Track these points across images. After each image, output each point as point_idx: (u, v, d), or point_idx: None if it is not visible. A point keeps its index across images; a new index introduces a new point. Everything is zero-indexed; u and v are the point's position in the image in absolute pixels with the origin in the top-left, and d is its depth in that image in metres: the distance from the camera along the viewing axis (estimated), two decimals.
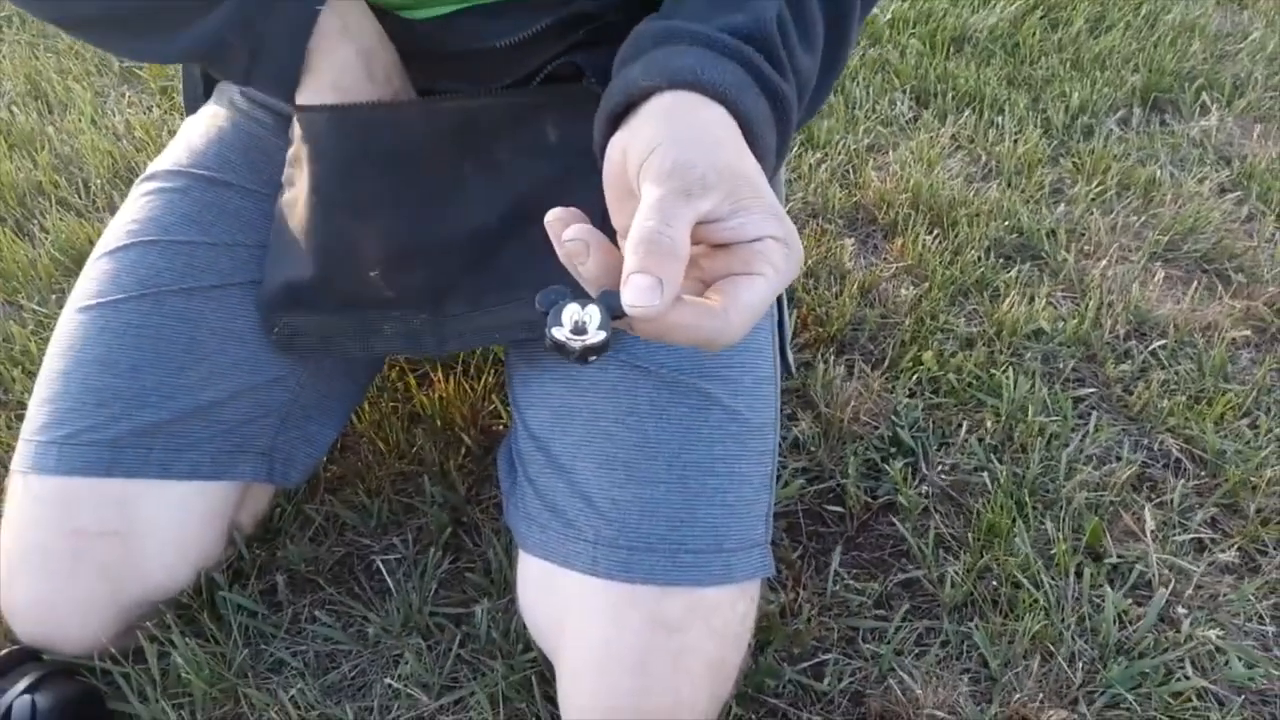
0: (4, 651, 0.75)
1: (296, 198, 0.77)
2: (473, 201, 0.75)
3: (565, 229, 0.47)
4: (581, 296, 0.46)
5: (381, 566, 0.88)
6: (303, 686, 0.79)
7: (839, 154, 1.44)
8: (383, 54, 0.73)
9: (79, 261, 1.22)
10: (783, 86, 0.56)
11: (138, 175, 1.38)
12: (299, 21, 0.68)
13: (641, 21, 0.59)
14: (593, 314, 0.45)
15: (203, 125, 0.86)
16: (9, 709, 0.72)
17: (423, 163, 0.74)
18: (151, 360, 0.76)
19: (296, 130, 0.76)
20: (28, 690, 0.72)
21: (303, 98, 0.72)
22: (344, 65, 0.70)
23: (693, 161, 0.46)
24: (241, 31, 0.67)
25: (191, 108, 0.93)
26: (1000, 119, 1.54)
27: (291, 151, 0.78)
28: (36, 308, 1.15)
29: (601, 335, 0.44)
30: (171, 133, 1.48)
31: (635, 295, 0.42)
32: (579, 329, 0.44)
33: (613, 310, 0.45)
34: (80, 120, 1.52)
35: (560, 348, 0.44)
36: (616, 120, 0.54)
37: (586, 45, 0.76)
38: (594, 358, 0.45)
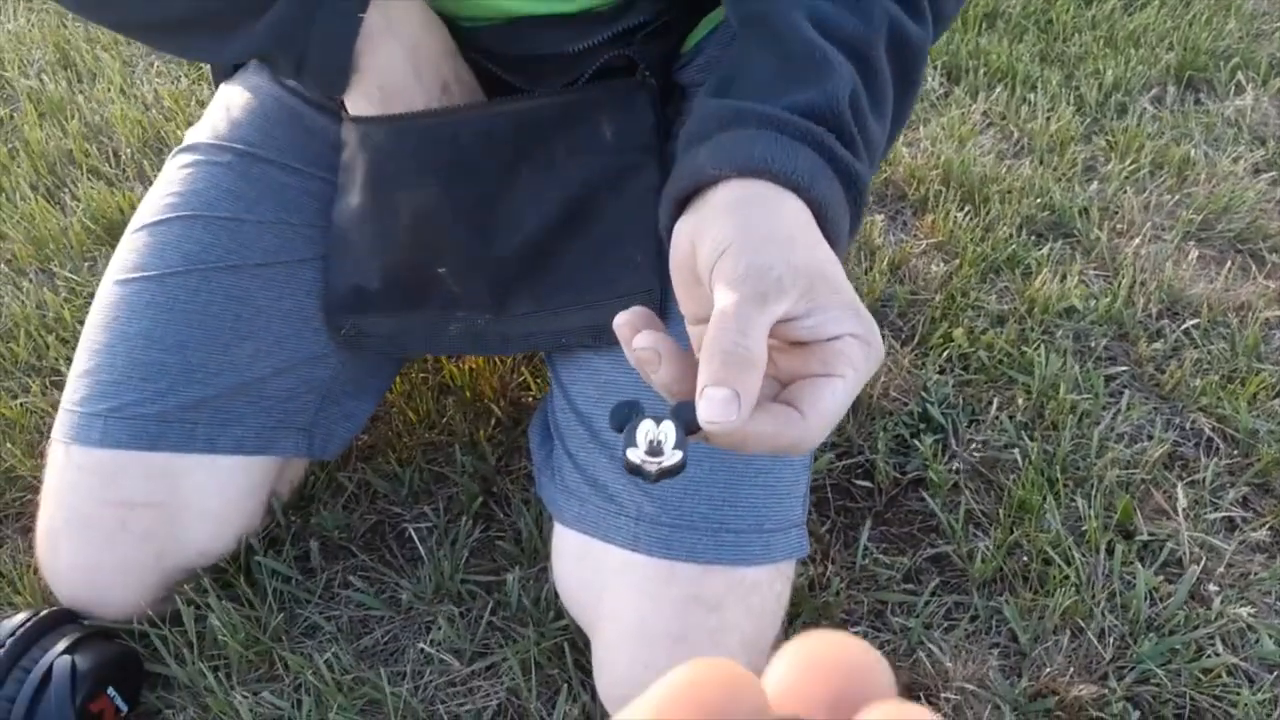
0: (44, 613, 0.76)
1: (354, 204, 0.77)
2: (531, 202, 0.75)
3: (635, 334, 0.45)
4: (655, 409, 0.44)
5: (414, 534, 0.89)
6: (337, 650, 0.80)
7: None
8: (431, 47, 0.71)
9: (110, 230, 1.23)
10: (856, 166, 0.53)
11: (167, 145, 1.39)
12: (343, 27, 0.67)
13: (706, 92, 0.56)
14: (668, 432, 0.43)
15: (243, 97, 0.86)
16: (50, 668, 0.73)
17: (481, 167, 0.74)
18: (199, 337, 0.77)
19: (351, 136, 0.75)
20: (67, 651, 0.74)
21: (352, 98, 0.72)
22: (390, 65, 0.70)
23: (768, 264, 0.44)
24: (290, 37, 0.67)
25: (221, 76, 0.93)
26: (1033, 96, 1.53)
27: (346, 156, 0.77)
28: (70, 275, 1.16)
29: (678, 456, 0.42)
30: (200, 103, 1.49)
31: (712, 410, 0.40)
32: (654, 449, 0.42)
33: (688, 425, 0.43)
34: (109, 89, 1.53)
35: (636, 470, 0.43)
36: (683, 203, 0.52)
37: (640, 39, 0.76)
38: (669, 479, 0.43)
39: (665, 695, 0.17)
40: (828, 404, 0.44)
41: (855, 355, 0.45)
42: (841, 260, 0.50)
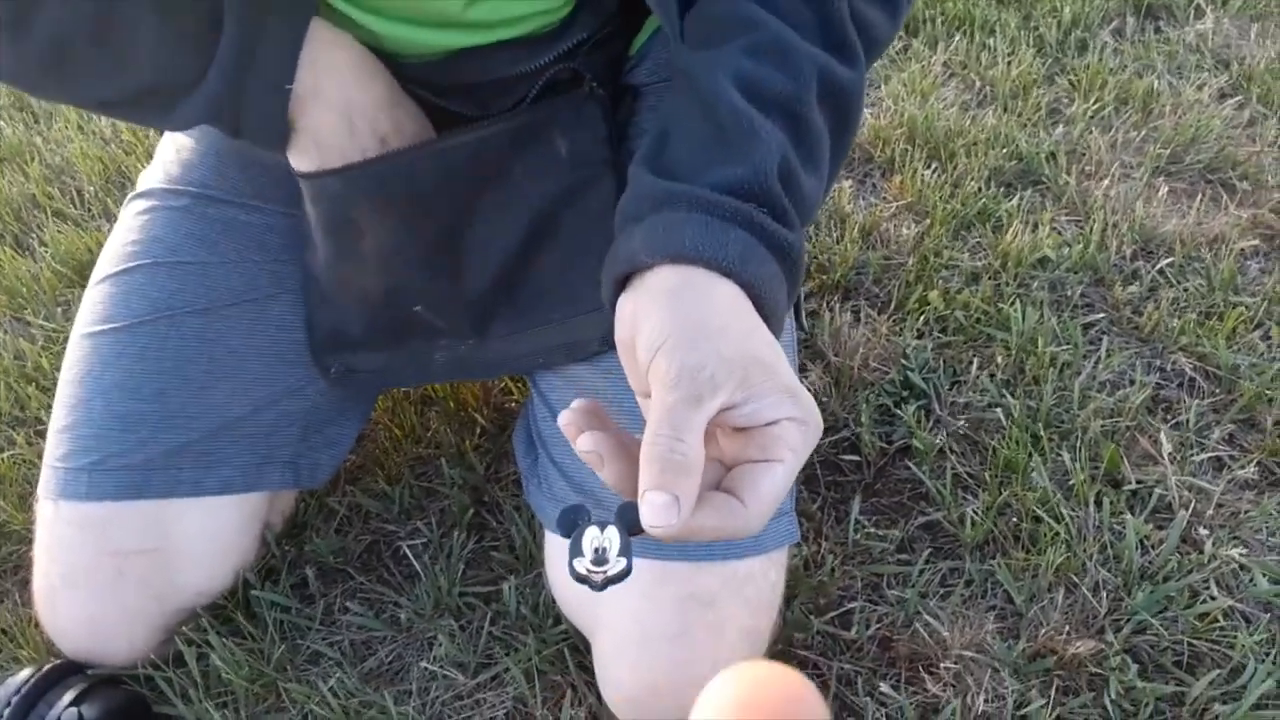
0: (48, 666, 0.77)
1: (320, 254, 0.78)
2: (495, 230, 0.75)
3: (579, 434, 0.46)
4: (600, 512, 0.46)
5: (408, 552, 0.89)
6: (341, 676, 0.80)
7: None
8: (365, 103, 0.70)
9: (79, 271, 1.23)
10: (789, 238, 0.53)
11: (130, 179, 1.38)
12: (272, 99, 0.66)
13: (640, 158, 0.56)
14: (612, 538, 0.44)
15: (191, 138, 0.85)
16: None
17: (440, 203, 0.74)
18: (175, 384, 0.77)
19: (305, 189, 0.75)
20: (74, 703, 0.74)
21: (293, 155, 0.71)
22: (322, 127, 0.69)
23: (700, 363, 0.45)
24: (223, 111, 0.66)
25: None
26: (992, 41, 1.51)
27: (306, 207, 0.77)
28: (44, 323, 1.16)
29: (622, 564, 0.44)
30: (158, 133, 1.48)
31: (652, 515, 0.42)
32: (600, 558, 0.44)
33: (631, 527, 0.44)
34: (67, 127, 1.52)
35: (583, 580, 0.44)
36: (623, 282, 0.53)
37: (584, 51, 0.76)
38: (616, 585, 0.44)
39: None
40: (766, 490, 0.45)
41: (793, 438, 0.45)
42: (778, 330, 0.51)
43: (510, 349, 0.78)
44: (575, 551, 0.44)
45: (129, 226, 0.82)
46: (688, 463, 0.43)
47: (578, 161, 0.74)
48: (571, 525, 0.45)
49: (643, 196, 0.54)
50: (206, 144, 0.84)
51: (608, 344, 0.74)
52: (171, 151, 0.85)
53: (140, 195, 0.84)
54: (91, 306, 0.80)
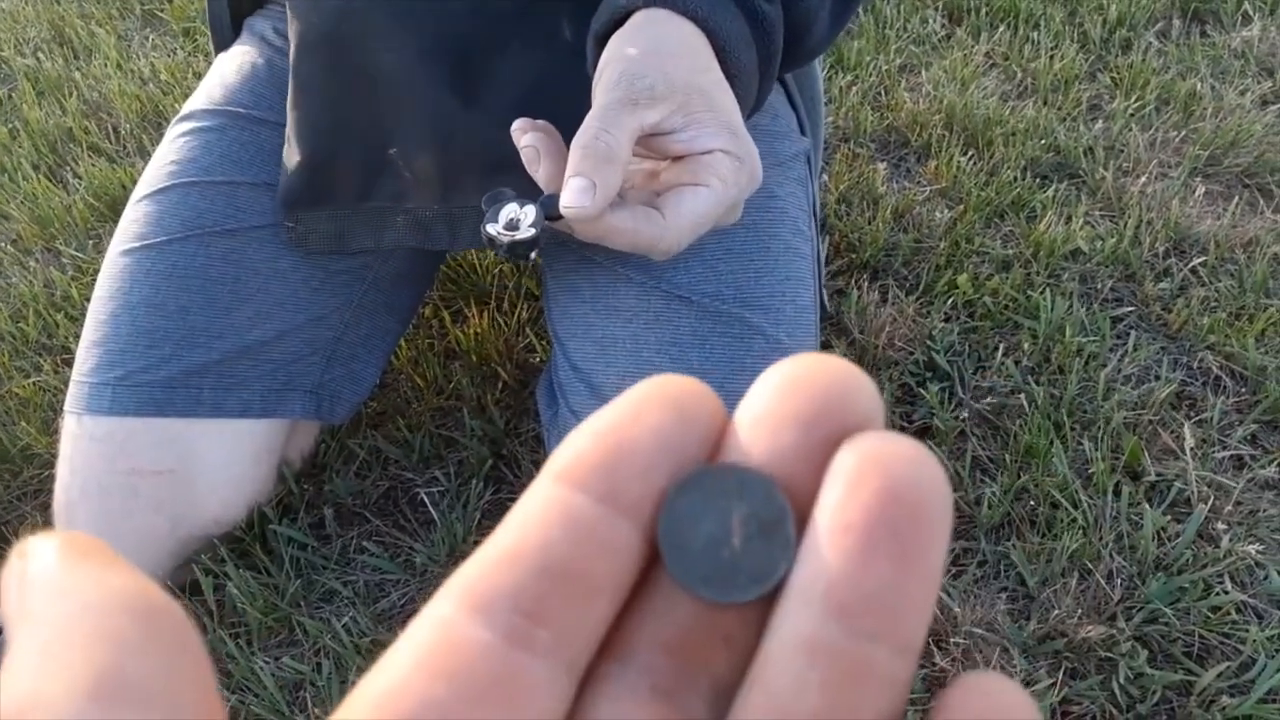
0: None
1: (310, 76, 0.77)
2: (489, 94, 0.74)
3: (523, 135, 0.50)
4: (527, 198, 0.49)
5: (426, 498, 0.90)
6: (354, 615, 0.81)
7: (870, 75, 1.41)
8: None
9: (113, 207, 1.23)
10: (763, 7, 0.55)
11: (166, 118, 1.39)
12: None
13: None
14: (528, 213, 0.48)
15: (235, 62, 0.86)
16: None
17: (465, 37, 0.73)
18: (199, 301, 0.77)
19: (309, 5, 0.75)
20: None
21: None
22: None
23: (641, 73, 0.48)
24: None
25: (220, 47, 0.93)
26: (1036, 34, 1.50)
27: (300, 29, 0.76)
28: (75, 253, 1.17)
29: (530, 233, 0.48)
30: (197, 75, 1.48)
31: (570, 197, 0.45)
32: (511, 225, 0.48)
33: (548, 211, 0.48)
34: (106, 65, 1.52)
35: (491, 241, 0.48)
36: (603, 40, 0.55)
37: None
38: (525, 255, 0.48)
39: (610, 418, 0.16)
40: (687, 208, 0.48)
41: (724, 168, 0.48)
42: (747, 107, 0.54)
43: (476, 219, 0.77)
44: (491, 218, 0.48)
45: (169, 148, 0.83)
46: (611, 153, 0.46)
47: (580, 49, 0.74)
48: (494, 200, 0.49)
49: None
50: (248, 68, 0.85)
51: None
52: (216, 77, 0.86)
53: (183, 118, 0.85)
54: (127, 225, 0.81)
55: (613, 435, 0.16)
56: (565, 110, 0.74)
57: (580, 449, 0.16)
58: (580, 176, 0.45)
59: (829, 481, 0.15)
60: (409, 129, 0.75)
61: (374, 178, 0.76)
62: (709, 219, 0.49)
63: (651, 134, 0.49)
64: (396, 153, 0.75)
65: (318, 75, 0.77)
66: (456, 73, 0.74)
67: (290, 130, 0.78)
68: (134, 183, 1.24)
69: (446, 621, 0.15)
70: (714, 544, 0.16)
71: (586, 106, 0.74)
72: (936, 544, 0.15)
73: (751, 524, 0.15)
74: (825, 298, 1.00)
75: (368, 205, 0.77)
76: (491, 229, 0.48)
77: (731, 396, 0.72)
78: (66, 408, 0.79)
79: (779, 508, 0.15)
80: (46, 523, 0.90)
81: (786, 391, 0.16)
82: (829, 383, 0.16)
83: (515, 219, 0.48)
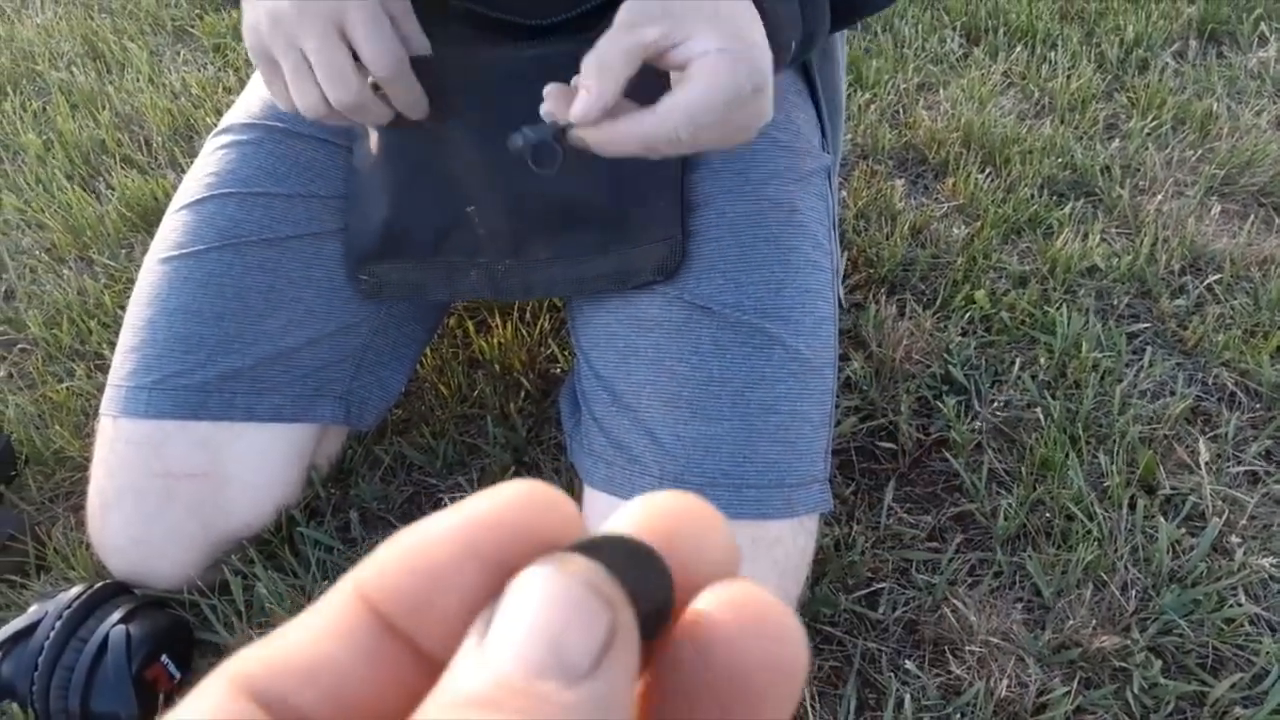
0: (99, 585, 0.79)
1: (385, 142, 0.79)
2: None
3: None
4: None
5: (449, 504, 0.91)
6: None
7: (888, 94, 1.43)
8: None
9: (145, 217, 1.26)
10: None
11: (197, 132, 1.42)
12: None
13: None
14: (545, 130, 0.56)
15: None
16: (106, 638, 0.76)
17: (512, 105, 0.75)
18: (235, 309, 0.80)
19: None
20: (122, 620, 0.77)
21: None
22: None
23: (646, 8, 0.54)
24: None
25: None
26: (1053, 54, 1.52)
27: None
28: (108, 261, 1.19)
29: (545, 136, 0.55)
30: (228, 90, 1.51)
31: (574, 108, 0.52)
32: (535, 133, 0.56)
33: (564, 127, 0.56)
34: (138, 79, 1.56)
35: (517, 152, 0.56)
36: None
37: None
38: (548, 163, 0.55)
39: (470, 514, 0.16)
40: (680, 98, 0.54)
41: (715, 63, 0.54)
42: (795, 29, 0.62)
43: (551, 272, 0.79)
44: (516, 138, 0.56)
45: (208, 160, 0.86)
46: (604, 64, 0.53)
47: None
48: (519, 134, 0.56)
49: None
50: None
51: (662, 273, 0.76)
52: (254, 91, 0.88)
53: (222, 131, 0.87)
54: (165, 234, 0.84)
55: (432, 572, 0.15)
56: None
57: (395, 572, 0.16)
58: (580, 89, 0.53)
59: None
60: (484, 190, 0.78)
61: (447, 233, 0.80)
62: (705, 108, 0.54)
63: (655, 53, 0.55)
64: (474, 211, 0.79)
65: (403, 139, 0.79)
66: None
67: (374, 187, 0.81)
68: (165, 195, 1.27)
69: (226, 702, 0.15)
70: None
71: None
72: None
73: None
74: (841, 292, 1.01)
75: (440, 260, 0.81)
76: (516, 139, 0.55)
77: (751, 404, 0.74)
78: (103, 411, 0.81)
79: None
80: (79, 524, 0.92)
81: (641, 525, 0.16)
82: (684, 524, 0.16)
83: (536, 133, 0.56)
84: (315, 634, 0.15)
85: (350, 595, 0.16)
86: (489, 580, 0.15)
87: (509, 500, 0.16)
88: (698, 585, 0.16)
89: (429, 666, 0.15)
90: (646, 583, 0.15)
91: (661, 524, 0.16)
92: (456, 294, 0.83)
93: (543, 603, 0.14)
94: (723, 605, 0.15)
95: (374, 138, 0.80)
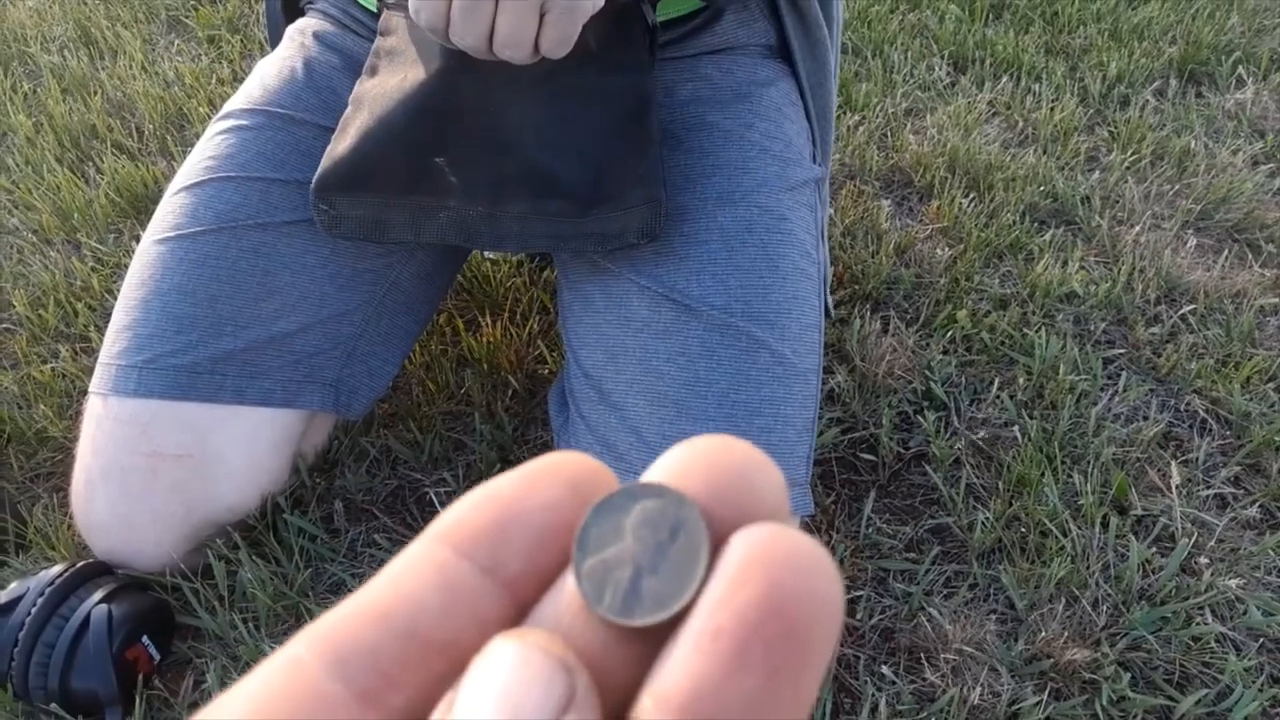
0: (81, 564, 0.79)
1: (382, 85, 0.78)
2: (528, 106, 0.76)
3: None
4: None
5: (434, 498, 0.92)
6: None
7: (877, 117, 1.46)
8: None
9: (134, 203, 1.26)
10: None
11: (189, 121, 1.42)
12: None
13: None
14: None
15: (276, 65, 0.90)
16: (88, 616, 0.76)
17: (500, 71, 0.76)
18: (228, 291, 0.80)
19: (397, 26, 0.78)
20: (104, 600, 0.77)
21: None
22: None
23: None
24: None
25: (275, 44, 0.97)
26: (1038, 86, 1.55)
27: (385, 44, 0.79)
28: (96, 245, 1.19)
29: None
30: (221, 81, 1.51)
31: None
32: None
33: None
34: (131, 66, 1.55)
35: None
36: None
37: None
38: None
39: (504, 487, 0.16)
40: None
41: None
42: None
43: (528, 228, 0.77)
44: None
45: (208, 144, 0.86)
46: None
47: (609, 63, 0.76)
48: None
49: None
50: (288, 71, 0.88)
51: (645, 235, 0.76)
52: (257, 78, 0.89)
53: (223, 116, 0.88)
54: (163, 215, 0.84)
55: (504, 505, 0.16)
56: (604, 122, 0.77)
57: (469, 513, 0.16)
58: None
59: (715, 572, 0.15)
60: (468, 139, 0.77)
61: (418, 176, 0.78)
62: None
63: None
64: (444, 161, 0.77)
65: (400, 80, 0.78)
66: (503, 99, 0.77)
67: (352, 118, 0.78)
68: (156, 181, 1.27)
69: (301, 666, 0.15)
70: (622, 563, 0.15)
71: (624, 114, 0.77)
72: (812, 663, 0.14)
73: (663, 549, 0.15)
74: (829, 301, 1.02)
75: (410, 199, 0.78)
76: None
77: (737, 406, 0.76)
78: (92, 389, 0.81)
79: (695, 534, 0.15)
80: (61, 504, 0.91)
81: (689, 465, 0.16)
82: (734, 463, 0.16)
83: None
84: (396, 586, 0.16)
85: (429, 539, 0.16)
86: (555, 519, 0.16)
87: (558, 457, 0.17)
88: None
89: (511, 598, 0.16)
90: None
91: (706, 469, 0.16)
92: (421, 236, 0.78)
93: (503, 670, 0.14)
94: (752, 543, 0.15)
95: (385, 76, 0.79)
